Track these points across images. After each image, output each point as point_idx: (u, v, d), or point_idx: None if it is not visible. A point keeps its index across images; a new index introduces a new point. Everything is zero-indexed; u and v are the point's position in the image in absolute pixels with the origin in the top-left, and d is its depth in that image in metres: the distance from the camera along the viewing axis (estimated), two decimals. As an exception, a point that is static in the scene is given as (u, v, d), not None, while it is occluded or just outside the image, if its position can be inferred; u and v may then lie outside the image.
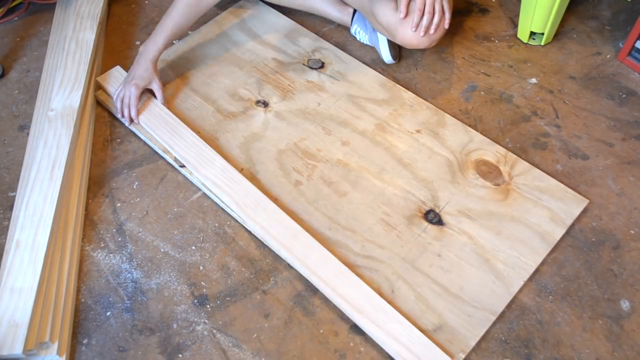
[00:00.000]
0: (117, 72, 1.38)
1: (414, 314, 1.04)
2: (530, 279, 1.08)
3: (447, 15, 1.15)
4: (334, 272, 1.05)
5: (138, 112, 1.29)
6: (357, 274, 1.07)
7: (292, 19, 1.54)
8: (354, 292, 1.03)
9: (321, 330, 1.03)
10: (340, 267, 1.06)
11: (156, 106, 1.31)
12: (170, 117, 1.29)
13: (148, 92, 1.33)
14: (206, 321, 1.05)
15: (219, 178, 1.18)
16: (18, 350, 0.94)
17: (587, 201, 1.17)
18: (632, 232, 1.14)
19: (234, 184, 1.18)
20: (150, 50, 1.29)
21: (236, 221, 1.16)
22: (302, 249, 1.08)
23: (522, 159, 1.24)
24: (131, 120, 1.31)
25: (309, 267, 1.06)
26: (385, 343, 0.99)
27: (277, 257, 1.11)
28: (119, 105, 1.30)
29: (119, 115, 1.32)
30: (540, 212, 1.15)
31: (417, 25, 1.14)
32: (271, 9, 1.56)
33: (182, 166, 1.22)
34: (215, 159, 1.22)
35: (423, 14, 1.14)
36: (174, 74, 1.43)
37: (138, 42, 1.51)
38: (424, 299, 1.05)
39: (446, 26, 1.14)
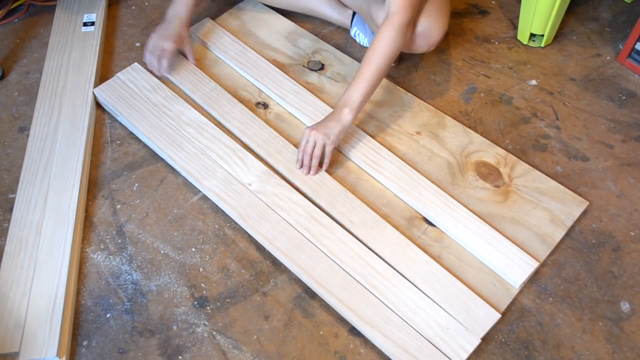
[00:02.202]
0: (115, 83, 1.36)
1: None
2: (531, 280, 1.08)
3: (326, 161, 1.19)
4: (339, 283, 1.05)
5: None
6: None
7: (291, 20, 1.54)
8: (361, 304, 1.02)
9: (321, 332, 1.03)
10: (346, 277, 1.05)
11: (154, 115, 1.29)
12: (169, 127, 1.28)
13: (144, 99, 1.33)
14: (206, 323, 1.05)
15: (221, 189, 1.18)
16: (52, 353, 0.96)
17: (587, 203, 1.17)
18: (632, 233, 1.14)
19: (237, 195, 1.17)
20: (180, 10, 1.30)
21: (236, 223, 1.16)
22: (307, 259, 1.08)
23: (522, 160, 1.24)
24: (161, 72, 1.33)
25: (314, 278, 1.06)
26: (384, 346, 0.99)
27: (277, 259, 1.11)
28: (148, 57, 1.31)
29: (150, 66, 1.34)
30: (540, 213, 1.15)
31: (304, 166, 1.19)
32: (271, 10, 1.56)
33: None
34: (216, 170, 1.21)
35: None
36: (174, 75, 1.43)
37: (138, 44, 1.51)
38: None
39: (324, 168, 1.20)
